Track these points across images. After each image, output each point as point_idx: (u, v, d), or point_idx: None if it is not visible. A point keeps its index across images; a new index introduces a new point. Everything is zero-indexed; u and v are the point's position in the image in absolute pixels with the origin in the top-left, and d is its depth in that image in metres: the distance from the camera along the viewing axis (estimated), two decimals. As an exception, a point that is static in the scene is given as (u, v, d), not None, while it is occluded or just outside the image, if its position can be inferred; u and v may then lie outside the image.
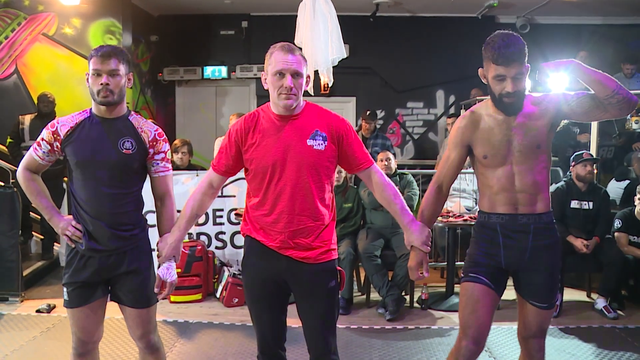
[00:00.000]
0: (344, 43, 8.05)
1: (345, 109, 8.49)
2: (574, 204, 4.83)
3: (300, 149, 2.32)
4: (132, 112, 2.57)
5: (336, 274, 2.42)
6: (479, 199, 2.54)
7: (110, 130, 2.46)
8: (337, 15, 7.50)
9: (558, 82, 2.70)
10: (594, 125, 5.38)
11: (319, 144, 2.33)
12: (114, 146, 2.44)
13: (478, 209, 2.55)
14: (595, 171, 5.27)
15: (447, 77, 8.27)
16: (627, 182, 5.65)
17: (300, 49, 2.44)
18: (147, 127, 2.53)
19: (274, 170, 2.33)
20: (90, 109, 2.49)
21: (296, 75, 2.28)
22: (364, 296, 5.00)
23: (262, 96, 8.30)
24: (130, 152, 2.46)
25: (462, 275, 2.48)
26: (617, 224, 4.85)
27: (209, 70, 8.47)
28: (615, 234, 4.83)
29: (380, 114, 8.37)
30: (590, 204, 4.82)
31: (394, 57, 8.25)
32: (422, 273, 2.44)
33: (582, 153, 4.85)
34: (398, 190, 2.44)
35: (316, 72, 4.97)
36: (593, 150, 5.37)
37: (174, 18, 8.37)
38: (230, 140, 2.42)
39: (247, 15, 8.41)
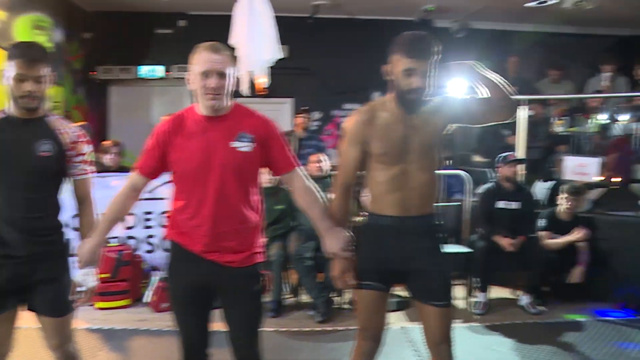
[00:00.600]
0: (282, 44, 8.09)
1: (282, 110, 8.48)
2: (501, 204, 4.99)
3: (225, 151, 2.29)
4: (51, 113, 2.48)
5: (261, 278, 2.41)
6: (371, 202, 2.51)
7: (27, 131, 2.36)
8: (276, 16, 7.48)
9: (458, 85, 2.82)
10: (522, 128, 5.56)
11: (244, 146, 2.30)
12: (30, 149, 2.35)
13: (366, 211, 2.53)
14: (523, 172, 5.46)
15: (384, 79, 8.26)
16: (553, 182, 5.86)
17: (233, 49, 2.40)
18: (67, 129, 2.45)
19: (198, 172, 2.29)
20: (4, 109, 2.39)
21: (221, 75, 2.24)
22: (295, 298, 5.01)
23: (199, 96, 8.17)
24: (48, 154, 2.37)
25: (355, 280, 2.46)
26: (541, 223, 5.03)
27: (145, 70, 8.23)
28: (540, 232, 5.01)
29: (317, 115, 8.40)
30: (517, 204, 5.00)
31: (332, 58, 8.25)
32: (346, 281, 2.45)
33: (508, 155, 5.02)
34: (320, 196, 2.42)
35: (251, 73, 4.94)
36: (521, 152, 5.55)
37: (109, 15, 8.09)
38: (155, 142, 2.38)
39: (184, 14, 8.24)
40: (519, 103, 5.52)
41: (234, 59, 2.35)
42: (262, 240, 2.44)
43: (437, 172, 2.46)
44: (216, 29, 5.36)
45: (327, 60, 8.21)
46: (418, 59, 2.27)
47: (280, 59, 8.05)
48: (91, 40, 8.13)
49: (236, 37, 4.91)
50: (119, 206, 2.43)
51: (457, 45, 8.13)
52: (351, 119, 2.47)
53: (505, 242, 4.81)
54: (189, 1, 7.73)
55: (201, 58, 2.26)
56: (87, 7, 8.03)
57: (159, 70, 8.24)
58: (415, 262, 2.41)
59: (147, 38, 8.29)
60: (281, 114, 8.49)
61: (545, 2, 5.67)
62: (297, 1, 7.44)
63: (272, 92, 8.31)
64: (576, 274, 4.89)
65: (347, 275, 2.43)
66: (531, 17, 7.88)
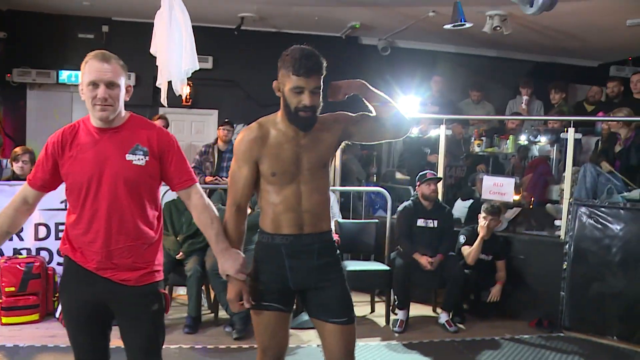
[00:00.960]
0: (207, 55, 8.04)
1: (206, 121, 8.37)
2: (420, 222, 5.05)
3: (119, 164, 2.21)
4: None
5: (160, 297, 2.32)
6: (261, 218, 2.45)
7: None
8: (201, 27, 7.40)
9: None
10: (442, 146, 5.68)
11: (139, 159, 2.23)
12: None
13: (259, 229, 2.46)
14: (442, 190, 5.58)
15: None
16: (471, 201, 6.01)
17: (116, 59, 2.29)
18: None
19: (90, 186, 2.20)
20: None
21: (111, 85, 2.17)
22: (213, 314, 4.89)
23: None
24: None
25: (251, 301, 2.36)
26: (461, 239, 5.14)
27: (65, 75, 7.90)
28: (461, 248, 5.11)
29: (242, 127, 8.30)
30: (435, 222, 5.06)
31: (259, 71, 8.06)
32: (242, 304, 2.35)
33: (426, 173, 5.11)
34: (216, 216, 2.35)
35: (170, 83, 4.79)
36: (440, 170, 5.67)
37: (27, 15, 7.70)
38: (47, 153, 2.27)
39: (108, 19, 7.97)
40: (441, 122, 5.68)
41: (124, 68, 2.25)
42: (160, 257, 2.36)
43: (328, 189, 2.46)
44: (140, 36, 5.22)
45: (253, 72, 8.13)
46: (306, 77, 2.21)
47: (205, 70, 8.01)
48: (5, 40, 7.72)
49: (155, 46, 4.76)
50: (8, 219, 2.31)
51: (382, 63, 8.31)
52: (241, 137, 2.37)
53: (424, 261, 4.87)
54: (112, 6, 7.47)
55: (90, 67, 2.18)
56: (1, 5, 7.63)
57: (80, 76, 7.91)
58: (312, 279, 2.37)
59: (68, 42, 7.93)
60: (206, 125, 8.37)
61: (462, 25, 5.82)
62: (224, 13, 7.38)
63: (196, 103, 8.22)
64: (495, 292, 5.02)
65: (244, 297, 2.34)
66: (454, 39, 8.17)
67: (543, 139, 6.23)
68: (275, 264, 2.37)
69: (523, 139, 6.36)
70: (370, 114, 2.43)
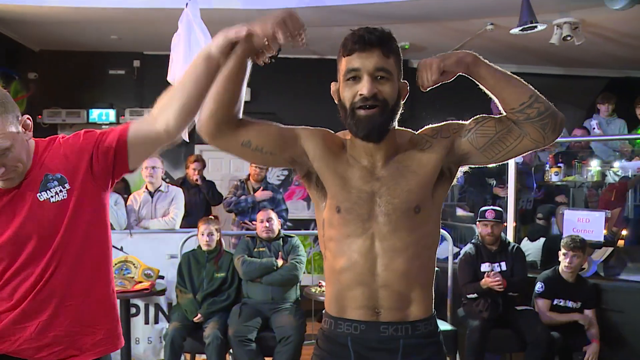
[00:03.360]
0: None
1: (245, 158, 7.74)
2: (485, 267, 4.20)
3: (34, 210, 1.62)
4: None
5: None
6: (326, 295, 1.69)
7: None
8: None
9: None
10: (512, 177, 4.83)
11: (56, 193, 1.63)
12: None
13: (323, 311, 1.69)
14: (513, 226, 4.71)
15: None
16: (543, 240, 5.11)
17: None
18: None
19: (6, 252, 1.62)
20: None
21: (2, 154, 1.57)
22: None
23: (156, 143, 7.46)
24: None
25: None
26: (538, 287, 4.23)
27: (95, 114, 7.56)
28: (535, 299, 4.21)
29: (284, 164, 7.71)
30: (503, 264, 4.22)
31: (299, 101, 7.63)
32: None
33: (486, 210, 4.27)
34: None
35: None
36: (511, 205, 4.80)
37: (57, 54, 7.50)
38: None
39: (139, 53, 7.62)
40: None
41: (12, 107, 1.60)
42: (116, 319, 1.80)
43: (429, 251, 1.62)
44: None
45: (295, 103, 7.61)
46: (362, 51, 1.49)
47: (243, 103, 7.49)
48: (36, 81, 7.50)
49: (173, 73, 4.17)
50: None
51: (435, 87, 7.57)
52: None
53: (491, 280, 4.02)
54: (143, 40, 7.08)
55: None
56: (34, 47, 7.53)
57: (111, 115, 7.57)
58: None
59: (98, 80, 7.70)
60: (246, 163, 7.74)
61: (533, 27, 4.99)
62: (259, 39, 6.81)
63: (234, 138, 7.65)
64: (592, 351, 4.03)
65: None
66: (515, 57, 7.44)
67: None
68: None
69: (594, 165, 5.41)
70: (491, 116, 1.60)
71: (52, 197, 1.63)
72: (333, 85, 1.59)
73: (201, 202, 5.69)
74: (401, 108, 1.57)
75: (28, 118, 1.67)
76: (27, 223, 1.62)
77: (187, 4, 4.08)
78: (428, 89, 1.56)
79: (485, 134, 1.57)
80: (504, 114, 1.54)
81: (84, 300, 1.69)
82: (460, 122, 1.63)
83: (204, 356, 3.98)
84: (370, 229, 1.54)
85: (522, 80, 1.54)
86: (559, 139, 6.07)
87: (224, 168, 7.81)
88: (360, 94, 1.48)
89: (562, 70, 8.02)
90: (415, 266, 1.56)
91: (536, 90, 1.52)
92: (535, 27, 4.97)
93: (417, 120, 1.67)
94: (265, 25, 1.47)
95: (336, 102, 1.59)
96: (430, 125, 1.65)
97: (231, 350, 3.95)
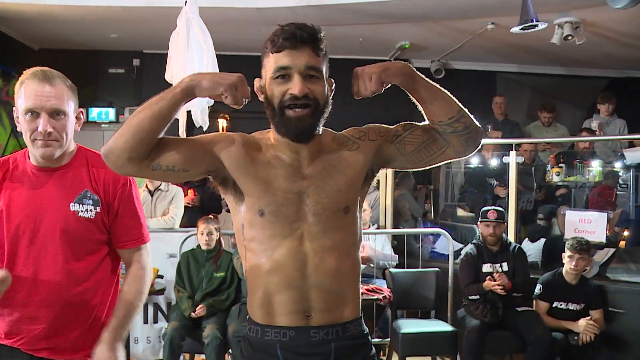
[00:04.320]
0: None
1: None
2: (486, 267, 4.20)
3: (60, 214, 1.75)
4: None
5: None
6: (248, 300, 1.63)
7: None
8: (236, 55, 6.81)
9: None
10: (513, 176, 4.81)
11: (86, 210, 1.78)
12: None
13: (247, 316, 1.66)
14: (514, 227, 4.70)
15: (358, 123, 7.55)
16: (543, 241, 5.09)
17: (62, 78, 1.76)
18: None
19: (17, 240, 1.71)
20: None
21: (56, 113, 1.71)
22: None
23: (155, 142, 7.45)
24: None
25: None
26: (537, 289, 4.21)
27: (95, 112, 7.54)
28: (535, 300, 4.19)
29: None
30: (505, 264, 4.22)
31: (300, 101, 7.60)
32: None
33: (488, 211, 4.25)
34: (143, 293, 1.89)
35: (189, 114, 4.16)
36: (512, 205, 4.78)
37: (57, 53, 7.45)
38: None
39: (139, 52, 7.61)
40: (510, 148, 4.83)
41: (73, 90, 1.77)
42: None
43: (336, 251, 1.54)
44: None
45: (295, 102, 7.54)
46: (293, 49, 1.46)
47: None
48: (35, 80, 7.45)
49: (171, 71, 4.15)
50: None
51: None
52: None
53: (491, 284, 4.02)
54: (143, 38, 7.06)
55: (27, 91, 1.68)
56: (34, 45, 7.52)
57: (110, 113, 7.55)
58: None
59: (97, 78, 7.70)
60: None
61: (534, 26, 4.95)
62: (258, 38, 6.73)
63: (233, 137, 7.64)
64: (586, 330, 3.96)
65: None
66: (516, 56, 7.43)
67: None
68: None
69: (596, 165, 5.38)
70: (417, 124, 1.62)
71: (81, 211, 1.77)
72: (257, 82, 1.56)
73: (207, 200, 5.64)
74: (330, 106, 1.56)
75: (81, 112, 1.86)
76: (48, 222, 1.73)
77: (185, 2, 4.05)
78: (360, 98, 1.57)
79: (412, 142, 1.59)
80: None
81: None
82: (385, 126, 1.64)
83: (203, 356, 3.96)
84: (299, 229, 1.50)
85: (450, 94, 1.56)
86: (562, 139, 6.10)
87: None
88: (291, 93, 1.45)
89: (563, 70, 7.98)
90: (346, 265, 1.53)
91: (461, 105, 1.56)
92: (536, 26, 4.94)
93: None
94: (217, 87, 1.46)
95: (261, 99, 1.55)
96: (354, 127, 1.66)
97: (230, 350, 3.93)
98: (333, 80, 1.57)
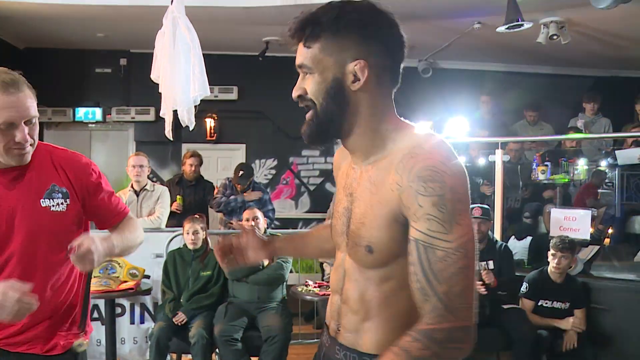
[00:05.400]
0: (232, 85, 7.44)
1: (233, 157, 7.68)
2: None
3: (32, 212, 1.73)
4: None
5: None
6: None
7: None
8: (223, 55, 6.77)
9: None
10: (499, 175, 4.84)
11: (57, 204, 1.76)
12: None
13: None
14: (500, 225, 4.72)
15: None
16: (530, 239, 5.11)
17: (24, 81, 1.72)
18: None
19: None
20: None
21: (30, 121, 1.68)
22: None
23: (142, 142, 7.41)
24: None
25: None
26: (523, 287, 4.23)
27: (82, 112, 7.51)
28: (521, 299, 4.21)
29: (272, 162, 7.69)
30: (491, 262, 4.21)
31: (288, 100, 7.44)
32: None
33: (473, 208, 4.27)
34: (140, 233, 1.93)
35: (175, 113, 4.13)
36: (498, 203, 4.80)
37: (44, 52, 7.41)
38: None
39: (126, 52, 7.57)
40: (496, 147, 4.85)
41: (33, 90, 1.71)
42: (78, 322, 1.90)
43: (380, 284, 1.32)
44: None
45: (282, 102, 7.38)
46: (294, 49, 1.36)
47: (229, 102, 7.43)
48: (20, 79, 7.38)
49: (157, 71, 4.11)
50: None
51: (424, 86, 7.57)
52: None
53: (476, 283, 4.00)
54: (130, 38, 7.01)
55: None
56: (19, 44, 7.43)
57: (97, 113, 7.51)
58: None
59: (84, 78, 7.65)
60: (233, 161, 7.68)
61: (520, 25, 4.98)
62: (246, 38, 6.76)
63: (222, 137, 7.63)
64: (569, 338, 3.99)
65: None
66: (503, 56, 7.48)
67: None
68: None
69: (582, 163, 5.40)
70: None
71: (53, 206, 1.74)
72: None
73: (199, 200, 5.62)
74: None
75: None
76: (22, 224, 1.72)
77: (172, 1, 4.03)
78: None
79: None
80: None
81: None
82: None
83: (190, 356, 3.95)
84: (343, 243, 1.38)
85: None
86: (549, 137, 6.14)
87: (212, 167, 7.73)
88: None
89: (549, 70, 8.02)
90: (375, 295, 1.30)
91: None
92: (522, 25, 4.97)
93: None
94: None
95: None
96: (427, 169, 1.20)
97: (217, 350, 3.92)
98: (360, 62, 1.24)
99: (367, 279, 1.30)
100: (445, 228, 1.12)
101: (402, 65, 1.31)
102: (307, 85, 1.30)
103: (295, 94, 1.33)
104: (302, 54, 1.30)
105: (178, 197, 5.36)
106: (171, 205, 5.11)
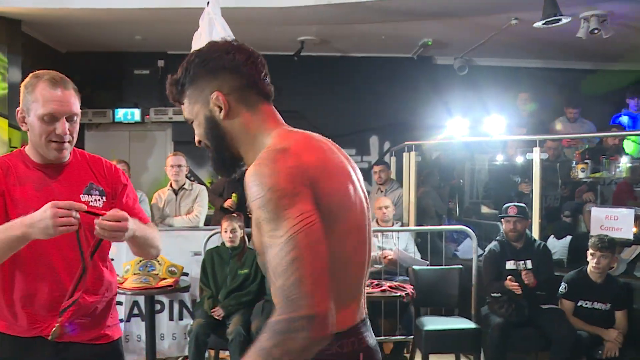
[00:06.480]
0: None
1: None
2: (510, 264, 4.15)
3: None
4: None
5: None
6: None
7: None
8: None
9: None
10: (537, 173, 4.76)
11: (95, 200, 1.88)
12: None
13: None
14: (538, 223, 4.64)
15: (382, 122, 7.63)
16: (569, 238, 5.00)
17: (70, 82, 1.83)
18: None
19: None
20: None
21: (71, 118, 1.80)
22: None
23: (180, 142, 7.52)
24: None
25: None
26: (562, 287, 4.14)
27: (121, 113, 7.64)
28: (560, 299, 4.13)
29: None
30: (529, 262, 4.16)
31: (323, 100, 7.57)
32: None
33: (509, 207, 4.21)
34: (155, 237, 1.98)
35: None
36: (536, 201, 4.72)
37: (84, 55, 7.59)
38: None
39: (163, 53, 7.68)
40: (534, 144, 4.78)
41: (77, 91, 1.84)
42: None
43: None
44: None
45: (317, 101, 7.55)
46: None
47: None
48: (62, 82, 7.58)
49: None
50: None
51: (460, 84, 7.49)
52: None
53: (511, 283, 4.00)
54: (167, 40, 7.13)
55: (43, 95, 1.74)
56: (61, 48, 7.62)
57: (136, 114, 7.65)
58: None
59: (123, 80, 7.81)
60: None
61: (558, 20, 4.87)
62: (281, 38, 6.80)
63: (257, 137, 7.65)
64: (611, 345, 3.89)
65: None
66: (541, 52, 7.37)
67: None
68: None
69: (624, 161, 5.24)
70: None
71: (91, 201, 1.85)
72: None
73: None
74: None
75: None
76: None
77: (208, 3, 4.08)
78: None
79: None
80: None
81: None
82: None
83: (227, 352, 4.00)
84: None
85: None
86: (587, 135, 6.00)
87: (247, 166, 7.79)
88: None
89: (589, 65, 7.84)
90: None
91: None
92: (560, 20, 4.86)
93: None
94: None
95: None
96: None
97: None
98: (214, 94, 1.34)
99: None
100: (273, 226, 1.17)
101: (266, 77, 1.41)
102: (196, 133, 1.42)
103: (197, 143, 1.44)
104: (183, 110, 1.43)
105: (234, 195, 5.29)
106: (225, 202, 5.15)
